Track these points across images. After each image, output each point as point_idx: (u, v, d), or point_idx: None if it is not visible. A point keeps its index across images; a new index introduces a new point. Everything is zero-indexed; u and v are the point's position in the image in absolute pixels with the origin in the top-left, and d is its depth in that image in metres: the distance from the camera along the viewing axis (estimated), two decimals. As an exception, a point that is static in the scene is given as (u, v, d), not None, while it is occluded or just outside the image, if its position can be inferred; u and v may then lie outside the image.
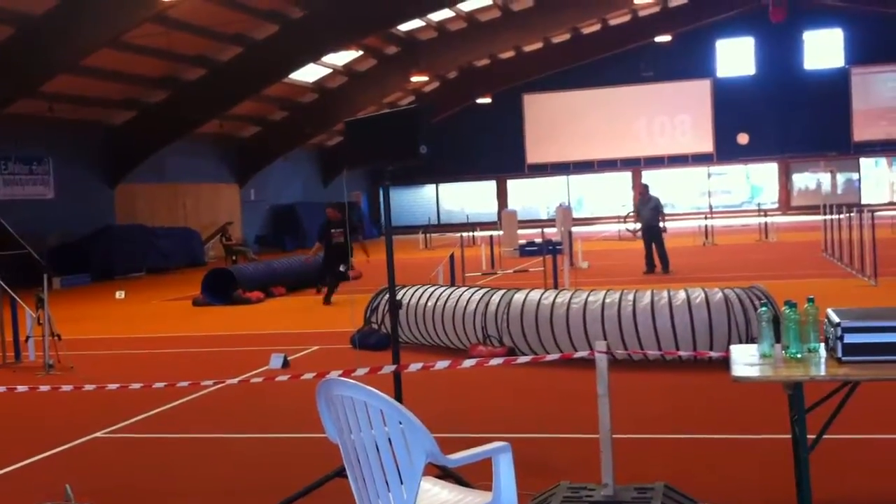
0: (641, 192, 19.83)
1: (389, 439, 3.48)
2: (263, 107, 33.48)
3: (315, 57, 29.22)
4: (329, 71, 33.52)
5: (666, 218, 19.56)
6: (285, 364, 9.69)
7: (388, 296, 6.55)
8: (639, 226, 19.42)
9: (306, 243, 35.75)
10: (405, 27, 31.64)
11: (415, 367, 5.78)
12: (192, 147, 31.40)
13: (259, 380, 6.90)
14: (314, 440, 6.14)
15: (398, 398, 5.89)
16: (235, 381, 6.67)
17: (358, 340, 10.41)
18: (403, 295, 10.87)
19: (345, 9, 25.85)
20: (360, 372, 5.76)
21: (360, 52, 32.31)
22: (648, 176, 46.24)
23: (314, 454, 6.13)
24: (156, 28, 22.80)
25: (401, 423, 3.49)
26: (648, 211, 19.01)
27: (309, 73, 32.56)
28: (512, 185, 49.18)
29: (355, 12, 25.96)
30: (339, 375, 5.19)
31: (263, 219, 37.98)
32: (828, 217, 20.59)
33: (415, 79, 36.02)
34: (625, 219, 35.31)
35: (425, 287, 11.17)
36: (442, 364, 5.75)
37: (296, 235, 36.64)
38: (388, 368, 5.81)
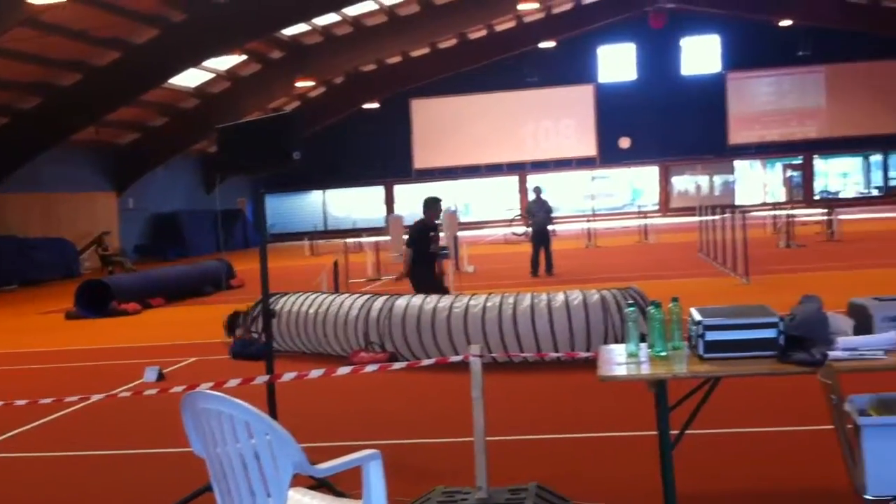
0: (536, 194, 19.86)
1: (256, 452, 3.40)
2: (143, 113, 32.62)
3: (196, 61, 28.62)
4: (212, 76, 32.89)
5: (553, 221, 19.86)
6: (160, 377, 9.42)
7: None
8: (528, 229, 19.52)
9: (189, 252, 34.99)
10: (290, 31, 31.29)
11: (289, 376, 5.67)
12: (67, 155, 30.34)
13: (128, 394, 6.65)
14: (183, 455, 5.97)
15: (272, 409, 5.78)
16: (101, 396, 6.43)
17: (236, 351, 10.20)
18: (285, 303, 10.70)
19: (228, 13, 25.38)
20: (233, 383, 5.63)
21: (244, 57, 31.81)
22: (534, 180, 46.95)
23: (184, 469, 5.95)
24: (28, 32, 21.95)
25: (268, 434, 3.42)
26: (542, 214, 19.19)
27: (190, 78, 31.87)
28: (399, 190, 49.21)
29: (239, 16, 25.52)
30: (211, 388, 5.06)
31: (143, 228, 36.96)
32: (704, 218, 21.27)
33: (300, 84, 35.66)
34: (511, 222, 35.76)
35: (307, 294, 11.02)
36: (317, 372, 5.66)
37: (178, 244, 35.77)
38: (261, 379, 5.69)
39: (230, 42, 27.63)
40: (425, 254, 11.93)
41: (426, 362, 5.97)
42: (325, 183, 47.80)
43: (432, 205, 12.35)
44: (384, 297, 10.08)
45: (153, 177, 36.30)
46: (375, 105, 45.49)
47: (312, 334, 10.34)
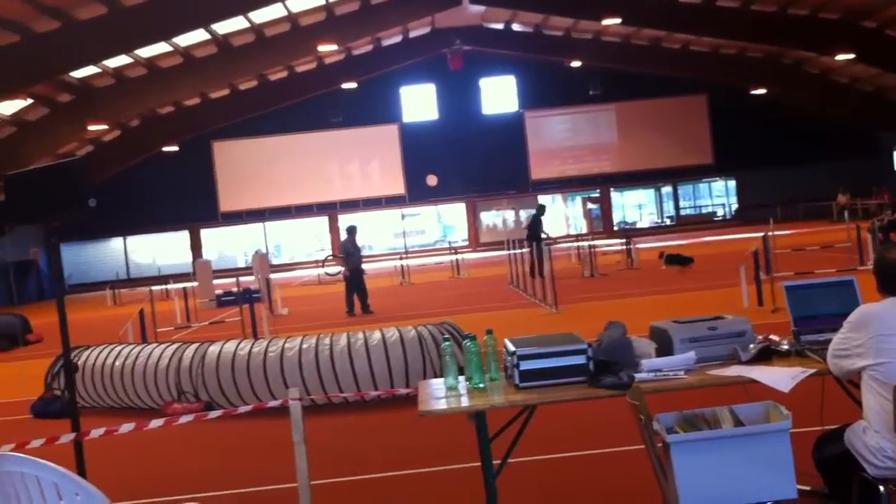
0: (351, 234, 19.67)
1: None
2: (-80, 160, 30.37)
3: (-22, 107, 27.00)
4: (-4, 121, 31.08)
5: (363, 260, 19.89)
6: (-49, 444, 8.72)
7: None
8: (342, 269, 19.45)
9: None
10: (79, 74, 30.02)
11: (97, 432, 5.39)
12: None
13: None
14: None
15: (80, 468, 5.48)
16: None
17: (38, 409, 9.60)
18: (88, 356, 10.18)
19: (9, 56, 24.09)
20: (36, 444, 5.31)
21: (30, 101, 30.24)
22: (344, 219, 46.97)
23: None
24: None
25: (77, 494, 3.28)
26: (357, 253, 19.21)
27: (-27, 124, 30.00)
28: (206, 234, 47.99)
29: (21, 60, 24.27)
30: (12, 449, 4.74)
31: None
32: (512, 252, 21.91)
33: (93, 127, 34.18)
34: (324, 262, 35.57)
35: (113, 346, 10.53)
36: (127, 427, 5.41)
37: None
38: (67, 437, 5.39)
39: (13, 86, 26.22)
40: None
41: (243, 409, 5.84)
42: (125, 229, 45.98)
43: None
44: (196, 345, 9.77)
45: (-66, 229, 33.81)
46: (175, 148, 44.23)
47: (120, 387, 9.87)
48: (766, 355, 4.39)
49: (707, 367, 4.33)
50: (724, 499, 3.75)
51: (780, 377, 4.06)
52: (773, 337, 4.62)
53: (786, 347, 4.47)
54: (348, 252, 19.32)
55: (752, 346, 4.41)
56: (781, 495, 3.78)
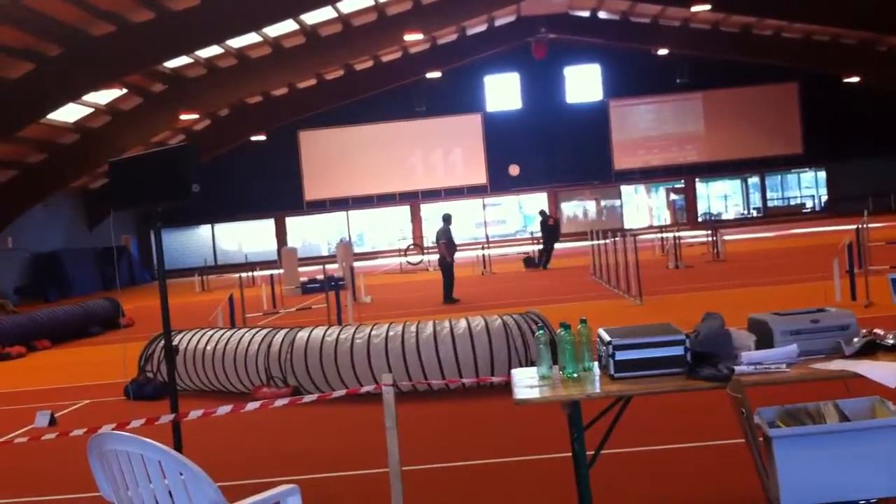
0: (448, 223, 19.47)
1: (170, 492, 3.30)
2: (19, 150, 31.42)
3: (74, 96, 27.77)
4: (91, 110, 31.98)
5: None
6: (52, 422, 9.02)
7: (162, 342, 6.24)
8: (444, 256, 19.06)
9: (71, 292, 33.80)
10: (172, 64, 30.73)
11: (195, 414, 5.51)
12: (-61, 195, 28.99)
13: (24, 440, 6.35)
14: (91, 500, 5.73)
15: (178, 448, 5.61)
16: (-6, 444, 6.14)
17: (133, 391, 9.88)
18: (180, 340, 10.43)
19: (105, 46, 24.77)
20: (136, 424, 5.46)
21: (124, 91, 31.05)
22: (426, 209, 47.24)
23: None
24: None
25: (181, 473, 3.34)
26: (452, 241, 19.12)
27: (69, 113, 30.91)
28: (291, 222, 48.75)
29: (117, 50, 24.93)
30: (114, 429, 4.87)
31: (23, 268, 35.50)
32: (594, 242, 21.71)
33: (184, 117, 35.00)
34: (405, 251, 35.81)
35: (204, 331, 10.76)
36: (224, 409, 5.52)
37: (60, 285, 34.49)
38: (166, 418, 5.53)
39: (108, 76, 26.95)
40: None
41: (337, 394, 5.90)
42: (213, 217, 46.99)
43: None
44: (284, 331, 9.93)
45: (32, 215, 34.97)
46: (262, 137, 45.03)
47: (211, 371, 10.09)
48: (871, 349, 4.25)
49: (809, 360, 4.22)
50: (827, 494, 3.66)
51: (887, 372, 3.93)
52: (878, 331, 4.47)
53: (891, 341, 4.32)
54: (450, 239, 19.09)
55: (856, 339, 4.27)
56: (887, 492, 3.67)
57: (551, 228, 27.58)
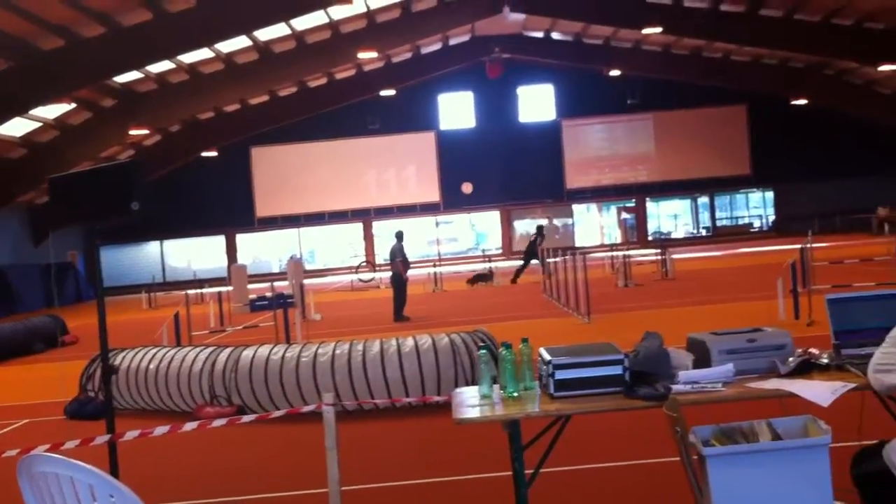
0: (401, 240, 19.57)
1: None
2: (-36, 163, 30.90)
3: (22, 111, 27.36)
4: (39, 124, 31.51)
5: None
6: (-11, 442, 8.83)
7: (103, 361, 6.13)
8: (389, 274, 19.17)
9: (17, 308, 33.16)
10: (122, 79, 30.40)
11: (131, 434, 5.42)
12: None
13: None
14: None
15: (114, 469, 5.52)
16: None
17: (73, 410, 9.70)
18: (123, 358, 10.27)
19: (54, 61, 24.45)
20: (70, 445, 5.35)
21: (73, 105, 30.66)
22: (378, 226, 47.19)
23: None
24: None
25: (112, 496, 3.28)
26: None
27: (16, 127, 30.43)
28: (242, 239, 48.37)
29: (66, 64, 24.61)
30: (47, 450, 4.77)
31: (-32, 284, 34.74)
32: (546, 260, 21.82)
33: (134, 132, 34.62)
34: (357, 269, 35.70)
35: (147, 349, 10.61)
36: (161, 429, 5.43)
37: (6, 300, 33.80)
38: (102, 439, 5.43)
39: (58, 90, 26.59)
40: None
41: (277, 413, 5.84)
42: (162, 233, 46.47)
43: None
44: (230, 349, 9.82)
45: (-24, 230, 34.33)
46: (214, 153, 44.68)
47: (154, 390, 9.94)
48: (806, 369, 4.31)
49: (745, 379, 4.26)
50: (760, 514, 3.68)
51: (820, 391, 3.98)
52: (813, 350, 4.53)
53: (826, 361, 4.38)
54: (404, 257, 19.19)
55: (791, 359, 4.33)
56: (819, 511, 3.70)
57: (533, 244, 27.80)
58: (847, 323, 4.52)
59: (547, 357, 4.27)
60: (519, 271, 27.69)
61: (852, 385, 4.05)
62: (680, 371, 4.31)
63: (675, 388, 4.14)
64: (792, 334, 4.53)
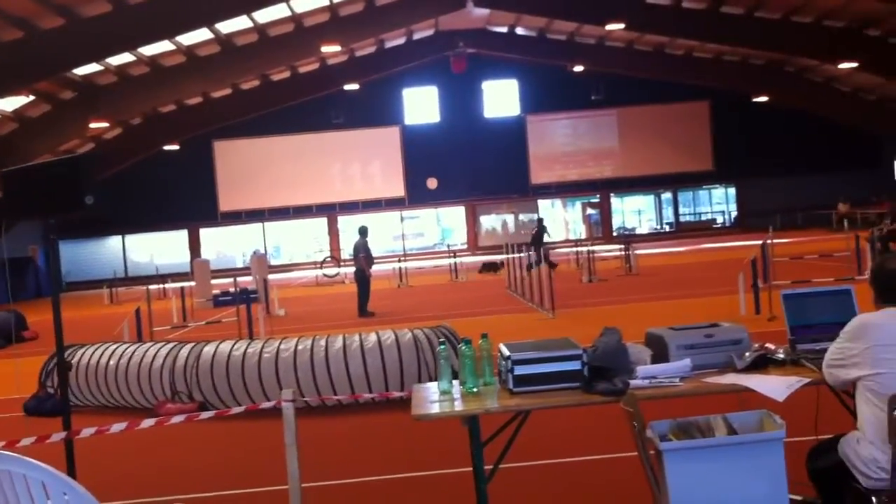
0: (365, 235, 19.47)
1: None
2: (-80, 156, 30.35)
3: (-21, 102, 26.97)
4: (-3, 117, 31.06)
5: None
6: (-56, 440, 8.68)
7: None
8: (362, 268, 19.03)
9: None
10: (82, 71, 30.00)
11: (88, 431, 5.35)
12: None
13: None
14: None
15: (70, 467, 5.45)
16: None
17: (32, 407, 9.57)
18: (83, 355, 10.14)
19: (13, 52, 24.06)
20: (26, 442, 5.27)
21: (32, 98, 30.21)
22: (343, 221, 47.04)
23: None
24: None
25: (66, 494, 3.24)
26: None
27: (-27, 120, 29.98)
28: (205, 233, 47.97)
29: (24, 56, 24.24)
30: (2, 448, 4.70)
31: (-76, 279, 34.16)
32: (511, 256, 21.88)
33: (94, 125, 34.16)
34: (322, 264, 35.55)
35: (108, 345, 10.49)
36: (118, 426, 5.37)
37: (-38, 296, 33.28)
38: (58, 436, 5.36)
39: (17, 82, 26.19)
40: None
41: (236, 410, 5.80)
42: (124, 227, 45.96)
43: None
44: (191, 345, 9.74)
45: (-67, 224, 33.72)
46: (176, 147, 44.22)
47: (114, 387, 9.84)
48: (762, 364, 4.35)
49: (702, 374, 4.30)
50: (716, 507, 3.72)
51: (776, 386, 4.03)
52: (769, 345, 4.59)
53: (781, 356, 4.44)
54: (368, 252, 19.12)
55: (747, 354, 4.37)
56: (773, 504, 3.75)
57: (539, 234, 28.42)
58: (802, 318, 4.58)
59: (506, 352, 4.28)
60: (545, 258, 27.12)
61: (807, 380, 4.10)
62: (638, 366, 4.34)
63: (633, 383, 4.16)
64: (751, 329, 4.58)
